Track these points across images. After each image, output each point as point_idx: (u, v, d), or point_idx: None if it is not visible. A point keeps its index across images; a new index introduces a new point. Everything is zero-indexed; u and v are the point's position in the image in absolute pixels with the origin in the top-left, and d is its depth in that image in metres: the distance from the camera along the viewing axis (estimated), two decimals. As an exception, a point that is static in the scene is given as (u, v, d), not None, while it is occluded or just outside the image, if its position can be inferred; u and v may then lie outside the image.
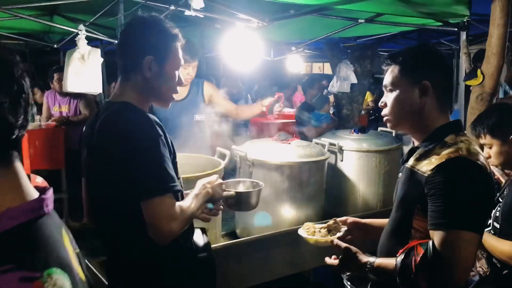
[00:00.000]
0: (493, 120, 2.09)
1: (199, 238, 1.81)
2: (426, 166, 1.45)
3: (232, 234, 2.93)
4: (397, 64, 1.58)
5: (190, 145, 2.76)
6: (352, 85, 5.55)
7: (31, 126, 5.38)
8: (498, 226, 2.08)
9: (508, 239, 1.99)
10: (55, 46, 4.90)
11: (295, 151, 2.75)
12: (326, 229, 1.85)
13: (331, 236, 1.80)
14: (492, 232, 2.10)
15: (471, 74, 3.06)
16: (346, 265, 1.63)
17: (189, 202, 1.60)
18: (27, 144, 4.95)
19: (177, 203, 1.52)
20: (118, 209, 1.56)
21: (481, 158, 1.44)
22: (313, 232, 1.85)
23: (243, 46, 2.82)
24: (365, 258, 1.55)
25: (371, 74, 6.39)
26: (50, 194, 0.80)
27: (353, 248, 1.61)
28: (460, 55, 3.23)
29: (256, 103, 3.64)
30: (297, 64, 6.83)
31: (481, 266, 2.14)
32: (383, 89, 1.64)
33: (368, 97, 8.15)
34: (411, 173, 1.52)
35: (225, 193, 1.87)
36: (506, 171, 2.24)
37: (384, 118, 1.64)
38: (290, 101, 7.59)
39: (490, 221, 2.15)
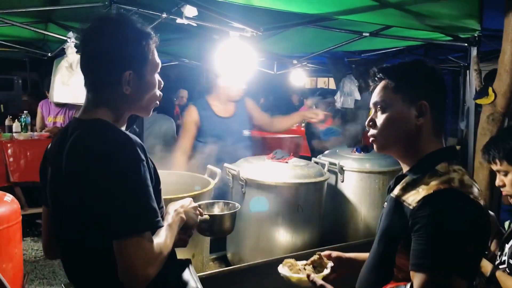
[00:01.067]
0: (510, 144, 1.89)
1: (187, 275, 1.60)
2: (413, 197, 1.27)
3: (222, 259, 2.74)
4: (391, 80, 1.40)
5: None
6: (357, 100, 5.40)
7: (22, 136, 5.23)
8: None
9: None
10: (49, 54, 4.76)
11: (292, 171, 2.56)
12: (311, 266, 1.65)
13: (317, 273, 1.61)
14: (508, 271, 1.90)
15: (482, 93, 2.88)
16: None
17: (163, 237, 1.34)
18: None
19: (154, 242, 1.28)
20: (87, 245, 1.33)
21: (475, 192, 1.25)
22: (297, 270, 1.64)
23: (237, 57, 2.65)
24: None
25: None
26: None
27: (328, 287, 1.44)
28: (470, 72, 3.05)
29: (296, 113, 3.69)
30: (300, 78, 6.68)
31: None
32: (371, 106, 1.46)
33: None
34: (395, 204, 1.33)
35: (199, 218, 1.68)
36: None
37: (371, 139, 1.46)
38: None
39: (504, 258, 1.94)
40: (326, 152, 3.24)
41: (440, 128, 1.40)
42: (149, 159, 1.35)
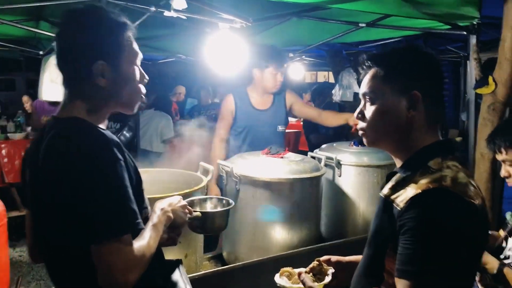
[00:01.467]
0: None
1: (177, 276, 1.53)
2: (401, 197, 1.17)
3: (218, 258, 2.67)
4: (380, 68, 1.30)
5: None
6: (356, 94, 5.31)
7: (17, 136, 5.17)
8: None
9: None
10: (41, 53, 4.68)
11: (287, 167, 2.48)
12: (310, 273, 1.55)
13: (317, 281, 1.52)
14: None
15: (482, 82, 2.79)
16: None
17: (146, 239, 1.27)
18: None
19: (136, 245, 1.21)
20: (65, 249, 1.27)
21: (470, 191, 1.14)
22: (296, 280, 1.54)
23: (227, 49, 2.57)
24: None
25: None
26: None
27: None
28: (470, 61, 2.96)
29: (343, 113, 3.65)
30: (299, 72, 6.60)
31: None
32: (360, 97, 1.37)
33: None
34: (384, 204, 1.23)
35: (191, 215, 1.61)
36: None
37: (360, 133, 1.36)
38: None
39: (509, 253, 1.88)
40: (323, 146, 3.16)
41: (435, 121, 1.29)
42: (128, 158, 1.28)
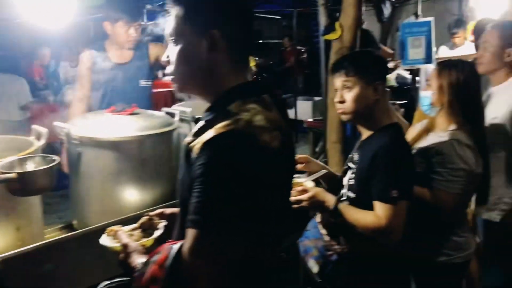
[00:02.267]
0: (364, 61, 1.95)
1: None
2: (198, 144, 1.11)
3: (70, 227, 2.48)
4: (180, 7, 1.21)
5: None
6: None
7: None
8: (353, 195, 1.89)
9: (366, 208, 1.80)
10: None
11: (134, 124, 2.33)
12: (140, 230, 1.47)
13: (147, 236, 1.44)
14: (348, 203, 1.90)
15: (329, 28, 2.85)
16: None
17: None
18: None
19: None
20: None
21: (266, 135, 1.10)
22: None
23: None
24: (136, 261, 1.20)
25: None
26: None
27: (132, 246, 1.28)
28: (318, 7, 3.00)
29: None
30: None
31: (339, 244, 1.93)
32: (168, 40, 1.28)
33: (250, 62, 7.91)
34: (186, 153, 1.17)
35: (1, 176, 1.44)
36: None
37: (171, 78, 1.29)
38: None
39: (343, 191, 1.95)
40: (184, 101, 3.05)
41: (242, 62, 1.25)
42: None
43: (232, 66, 1.22)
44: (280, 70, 10.78)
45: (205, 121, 1.18)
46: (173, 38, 1.23)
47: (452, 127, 2.13)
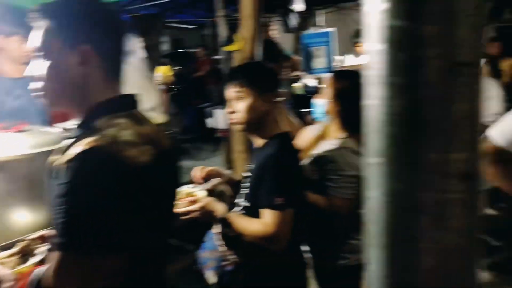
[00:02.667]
0: (256, 72, 2.02)
1: None
2: (61, 163, 1.08)
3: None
4: (48, 20, 1.17)
5: None
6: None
7: None
8: (248, 204, 1.92)
9: (259, 217, 1.83)
10: None
11: (25, 141, 2.20)
12: (20, 255, 1.40)
13: (24, 263, 1.37)
14: (243, 212, 1.93)
15: (229, 40, 2.90)
16: None
17: None
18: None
19: None
20: None
21: (132, 150, 1.09)
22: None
23: None
24: None
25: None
26: None
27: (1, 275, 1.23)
28: (218, 20, 3.04)
29: None
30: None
31: (235, 254, 1.95)
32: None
33: (167, 71, 7.82)
34: (51, 172, 1.14)
35: None
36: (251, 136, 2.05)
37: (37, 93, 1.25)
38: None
39: (239, 200, 1.97)
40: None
41: (114, 76, 1.23)
42: None
43: (104, 80, 1.20)
44: (192, 79, 10.72)
45: (73, 138, 1.14)
46: (40, 52, 1.19)
47: (343, 135, 2.24)
